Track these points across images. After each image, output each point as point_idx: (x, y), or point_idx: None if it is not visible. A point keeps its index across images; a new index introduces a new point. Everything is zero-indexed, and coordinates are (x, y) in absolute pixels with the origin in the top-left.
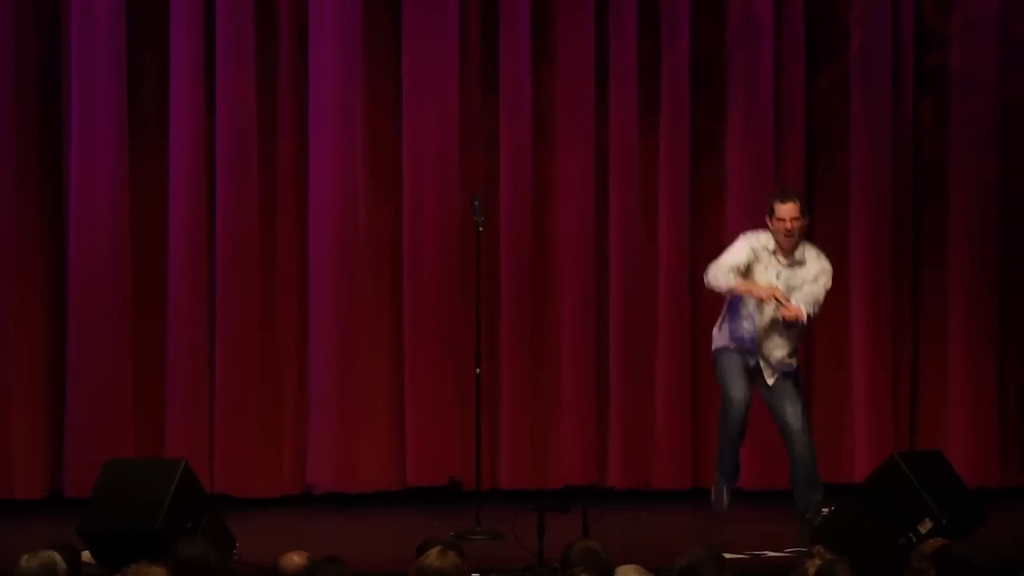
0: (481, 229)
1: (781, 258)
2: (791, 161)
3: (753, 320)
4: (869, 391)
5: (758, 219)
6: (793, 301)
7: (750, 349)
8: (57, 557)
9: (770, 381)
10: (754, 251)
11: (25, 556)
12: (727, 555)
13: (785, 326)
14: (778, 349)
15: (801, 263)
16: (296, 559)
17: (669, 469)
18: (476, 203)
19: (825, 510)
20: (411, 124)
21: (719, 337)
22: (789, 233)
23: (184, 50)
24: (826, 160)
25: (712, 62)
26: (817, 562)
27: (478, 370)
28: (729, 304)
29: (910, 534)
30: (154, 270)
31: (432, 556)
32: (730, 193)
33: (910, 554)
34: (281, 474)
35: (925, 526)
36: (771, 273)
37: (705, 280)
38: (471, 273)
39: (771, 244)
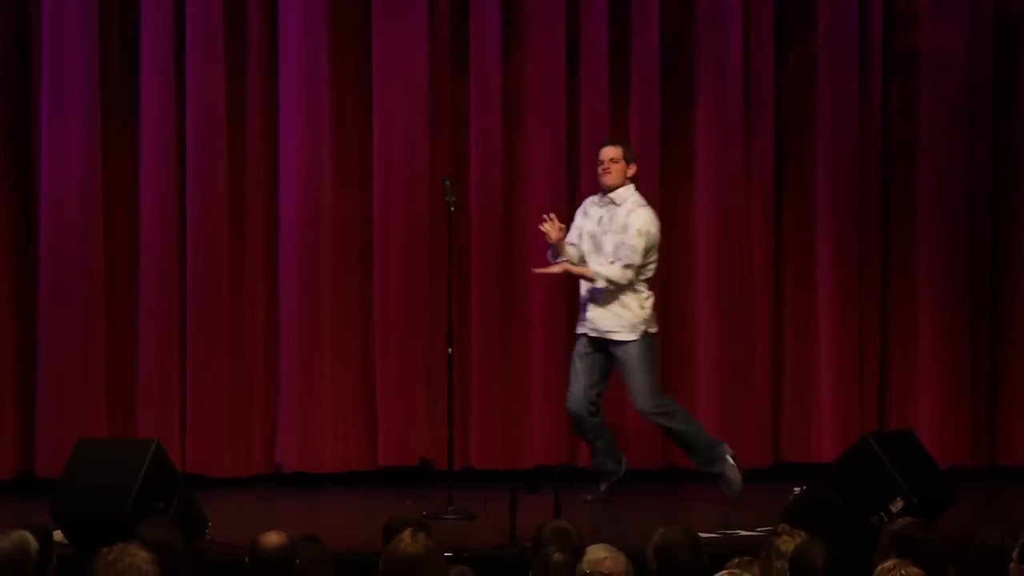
0: (452, 210)
1: (603, 197)
2: (759, 144)
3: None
4: (836, 371)
5: (727, 201)
6: (605, 248)
7: (582, 310)
8: (29, 537)
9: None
10: (583, 209)
11: None
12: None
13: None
14: (589, 306)
15: (616, 204)
16: (274, 538)
17: (639, 449)
18: (447, 184)
19: (796, 489)
20: (380, 106)
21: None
22: (606, 171)
23: (153, 36)
24: (795, 143)
25: (681, 46)
26: (785, 539)
27: (449, 350)
28: None
29: (881, 513)
30: (126, 253)
31: (405, 541)
32: (699, 176)
33: (880, 534)
34: (252, 454)
35: (896, 505)
36: (592, 219)
37: None
38: (441, 254)
39: (599, 194)
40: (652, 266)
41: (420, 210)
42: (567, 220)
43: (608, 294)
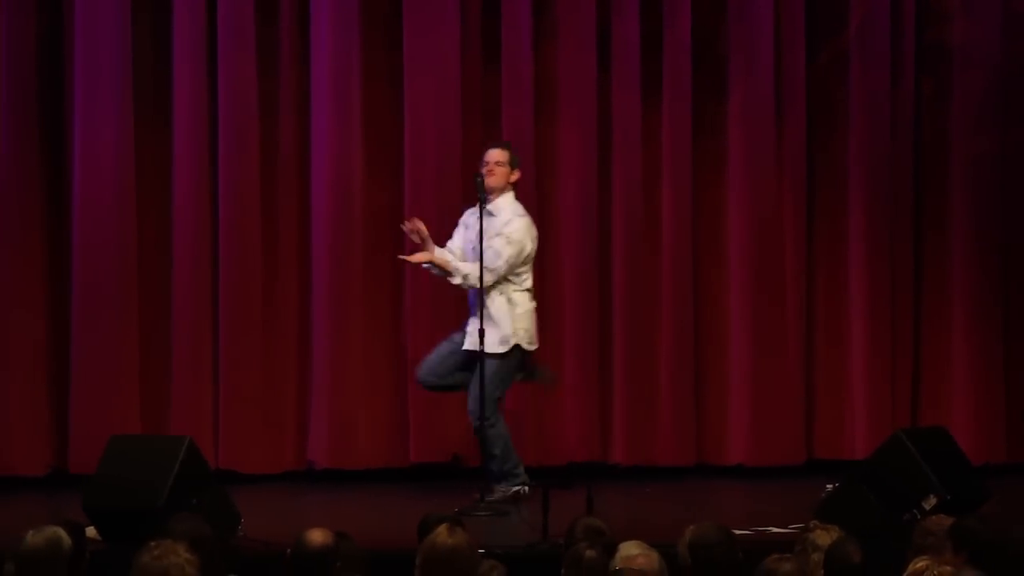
0: (484, 206)
1: (479, 209)
2: (791, 139)
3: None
4: (869, 368)
5: (759, 195)
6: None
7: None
8: (62, 532)
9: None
10: (463, 221)
11: (30, 532)
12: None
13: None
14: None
15: (494, 215)
16: (320, 537)
17: (672, 445)
18: (479, 179)
19: (829, 486)
20: (412, 101)
21: None
22: (490, 173)
23: (186, 31)
24: (826, 138)
25: (712, 40)
26: (820, 533)
27: (482, 346)
28: None
29: (914, 510)
30: (158, 248)
31: (442, 535)
32: (730, 171)
33: (913, 531)
34: (284, 450)
35: (929, 502)
36: (473, 230)
37: None
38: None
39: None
40: (526, 277)
41: (451, 205)
42: (599, 213)
43: (484, 307)
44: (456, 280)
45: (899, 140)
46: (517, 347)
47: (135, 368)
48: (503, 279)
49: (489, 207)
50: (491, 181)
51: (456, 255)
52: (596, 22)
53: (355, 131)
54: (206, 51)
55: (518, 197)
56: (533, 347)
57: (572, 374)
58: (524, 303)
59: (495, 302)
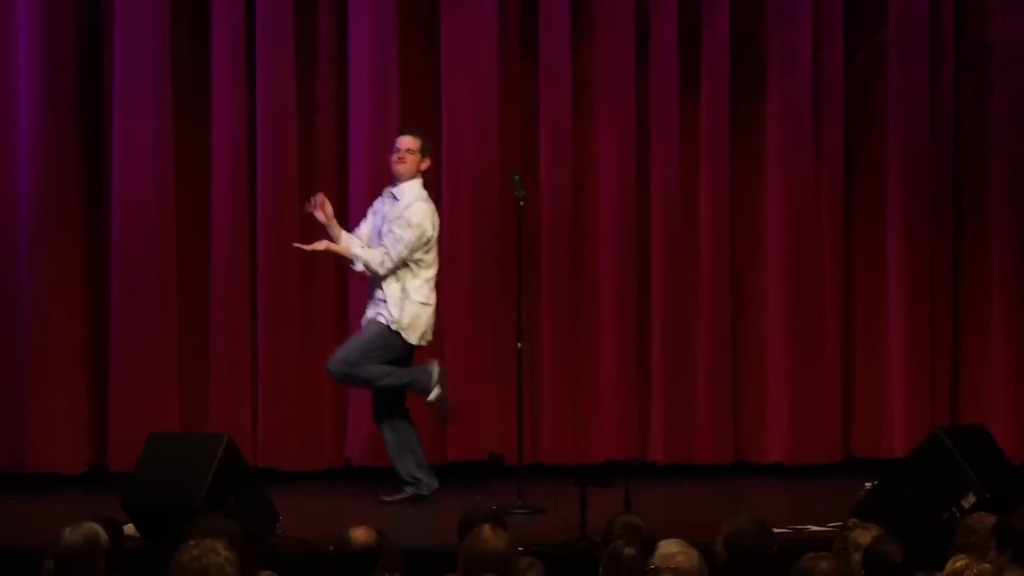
0: (522, 204)
1: (386, 194)
2: (829, 137)
3: None
4: (908, 366)
5: (797, 193)
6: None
7: None
8: (99, 529)
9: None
10: (372, 208)
11: (67, 529)
12: None
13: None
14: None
15: (397, 199)
16: (363, 535)
17: (710, 443)
18: (516, 178)
19: (868, 484)
20: (449, 99)
21: None
22: (400, 160)
23: (224, 30)
24: (865, 135)
25: (751, 38)
26: (860, 532)
27: (519, 345)
28: None
29: (953, 509)
30: (197, 246)
31: (487, 534)
32: (769, 168)
33: (954, 529)
34: (323, 448)
35: (968, 501)
36: (378, 216)
37: None
38: (510, 248)
39: (386, 191)
40: (426, 267)
41: (489, 203)
42: (637, 211)
43: (380, 295)
44: (357, 267)
45: (938, 138)
46: (399, 334)
47: (174, 366)
48: (403, 265)
49: (394, 191)
50: (400, 168)
51: (363, 240)
52: (635, 20)
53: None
54: (244, 51)
55: (426, 185)
56: (421, 343)
57: (610, 372)
58: (420, 294)
59: (390, 288)
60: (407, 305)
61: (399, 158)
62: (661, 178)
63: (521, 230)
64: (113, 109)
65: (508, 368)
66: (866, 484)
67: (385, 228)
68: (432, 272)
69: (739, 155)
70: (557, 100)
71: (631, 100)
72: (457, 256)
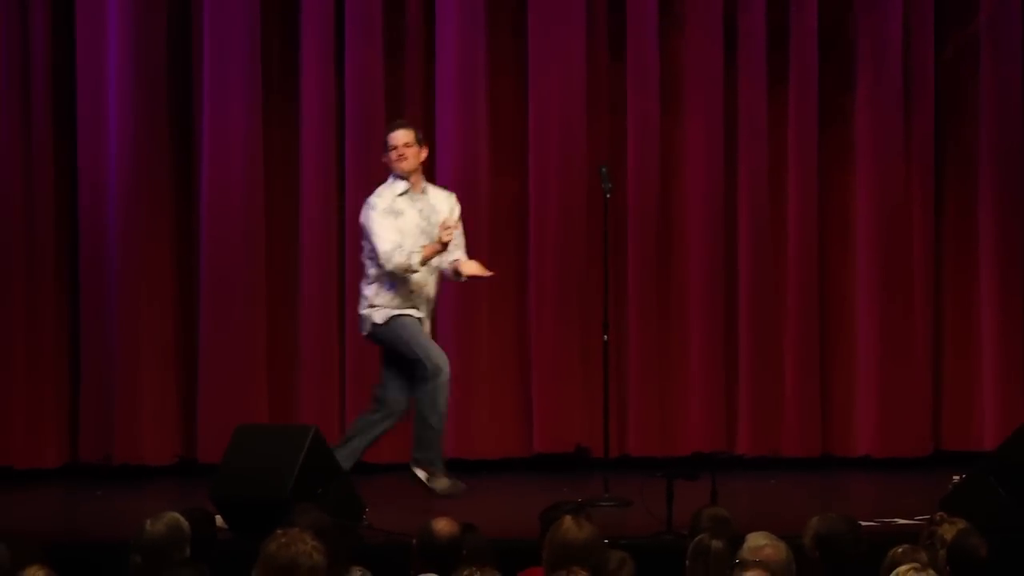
0: (608, 197)
1: (414, 194)
2: (919, 129)
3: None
4: (999, 359)
5: (886, 188)
6: (456, 239)
7: (418, 296)
8: (180, 517)
9: (427, 328)
10: (392, 211)
11: (148, 521)
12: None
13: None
14: (433, 288)
15: (426, 193)
16: (447, 527)
17: (798, 436)
18: (603, 171)
19: (956, 478)
20: (537, 93)
21: (381, 307)
22: (402, 157)
23: (314, 22)
24: (955, 128)
25: (840, 29)
26: (947, 527)
27: (605, 337)
28: (378, 267)
29: None
30: (286, 240)
31: (570, 527)
32: (858, 162)
33: None
34: (409, 440)
35: None
36: (413, 215)
37: (392, 271)
38: (597, 241)
39: (399, 189)
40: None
41: (576, 197)
42: (725, 205)
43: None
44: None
45: None
46: None
47: (263, 359)
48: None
49: (421, 187)
50: (405, 166)
51: (406, 244)
52: (722, 14)
53: (480, 124)
54: (334, 46)
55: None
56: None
57: (697, 364)
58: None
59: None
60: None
61: (400, 155)
62: (749, 172)
63: (607, 223)
64: (203, 104)
65: (595, 361)
66: (954, 478)
67: (428, 228)
68: None
69: (828, 149)
70: (645, 95)
71: (719, 95)
72: (544, 249)
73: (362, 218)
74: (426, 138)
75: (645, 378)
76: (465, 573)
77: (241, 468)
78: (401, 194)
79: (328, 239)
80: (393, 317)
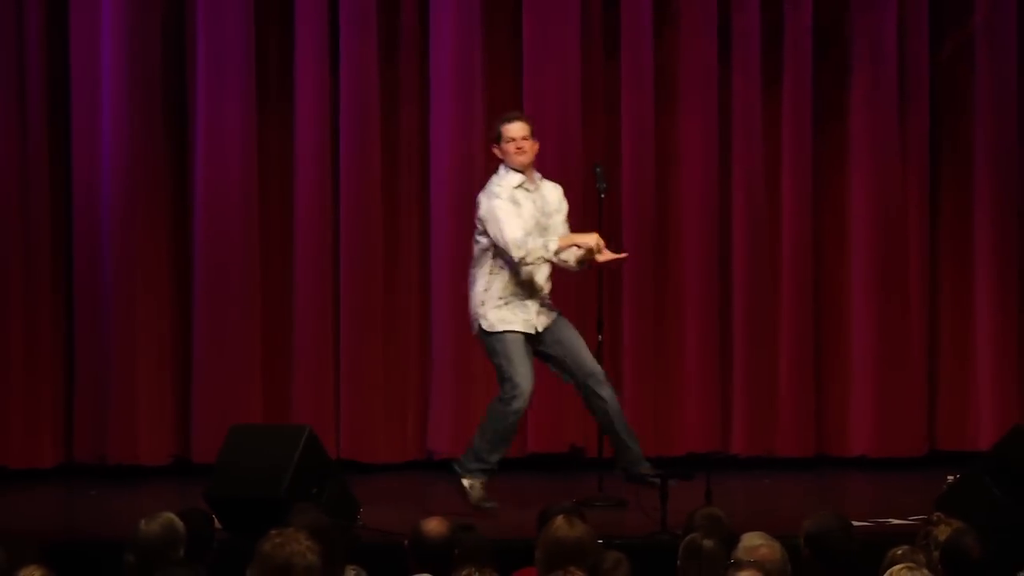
0: (603, 196)
1: (529, 186)
2: (915, 128)
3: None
4: (994, 359)
5: (882, 188)
6: (560, 231)
7: (529, 295)
8: (175, 517)
9: (544, 323)
10: (513, 200)
11: (143, 521)
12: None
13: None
14: (545, 281)
15: (539, 186)
16: (436, 525)
17: (793, 436)
18: (598, 170)
19: (951, 478)
20: (531, 90)
21: (494, 311)
22: (520, 150)
23: (308, 20)
24: (951, 127)
25: (835, 28)
26: (943, 528)
27: (600, 338)
28: (492, 260)
29: None
30: (281, 239)
31: (562, 526)
32: (854, 162)
33: None
34: (405, 440)
35: None
36: (530, 207)
37: (519, 261)
38: None
39: (515, 181)
40: None
41: (571, 194)
42: (720, 203)
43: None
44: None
45: None
46: None
47: (257, 358)
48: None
49: (534, 178)
50: (523, 159)
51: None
52: (717, 11)
53: (476, 122)
54: (329, 44)
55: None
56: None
57: (692, 364)
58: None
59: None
60: None
61: (519, 148)
62: (744, 172)
63: (602, 221)
64: (198, 104)
65: None
66: (949, 477)
67: (558, 219)
68: None
69: (823, 149)
70: (640, 94)
71: (714, 94)
72: None
73: (481, 210)
74: (421, 137)
75: (640, 378)
76: (464, 573)
77: (236, 468)
78: (517, 186)
79: (323, 239)
80: (500, 332)
